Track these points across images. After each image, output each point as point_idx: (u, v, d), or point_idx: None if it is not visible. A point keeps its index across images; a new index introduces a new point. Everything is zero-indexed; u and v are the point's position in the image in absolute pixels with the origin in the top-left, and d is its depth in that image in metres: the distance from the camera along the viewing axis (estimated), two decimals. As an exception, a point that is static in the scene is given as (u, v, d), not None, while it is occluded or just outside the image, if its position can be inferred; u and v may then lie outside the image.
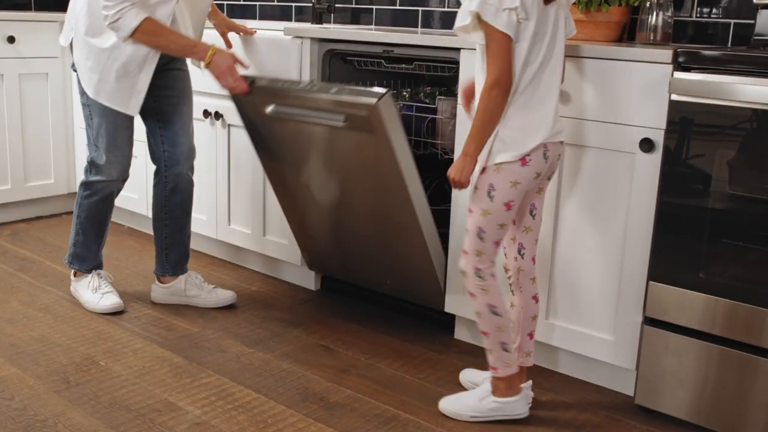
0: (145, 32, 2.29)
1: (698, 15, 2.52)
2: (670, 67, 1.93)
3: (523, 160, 1.85)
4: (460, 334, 2.54)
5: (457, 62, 2.31)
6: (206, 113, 3.02)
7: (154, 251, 2.76)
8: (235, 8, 3.81)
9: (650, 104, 1.98)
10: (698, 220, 1.92)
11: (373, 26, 3.28)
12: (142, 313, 2.66)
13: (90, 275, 2.73)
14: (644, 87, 1.98)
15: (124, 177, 2.64)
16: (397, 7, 3.24)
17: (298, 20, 3.59)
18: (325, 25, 3.22)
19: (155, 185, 2.73)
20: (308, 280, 2.95)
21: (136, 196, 3.45)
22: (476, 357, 2.40)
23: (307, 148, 2.40)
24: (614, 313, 2.12)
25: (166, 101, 2.62)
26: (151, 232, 3.47)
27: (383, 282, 2.60)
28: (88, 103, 2.53)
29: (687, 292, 1.96)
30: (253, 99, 2.41)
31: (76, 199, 2.71)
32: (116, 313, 2.63)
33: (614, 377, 2.22)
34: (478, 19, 1.78)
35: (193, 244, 3.35)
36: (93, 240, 2.72)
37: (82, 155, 3.70)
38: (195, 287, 2.73)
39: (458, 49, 2.30)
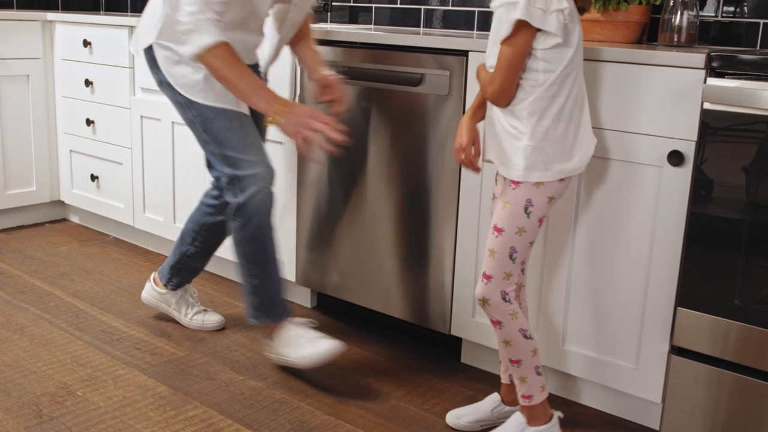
0: (218, 57, 1.92)
1: (724, 15, 2.34)
2: (703, 72, 1.75)
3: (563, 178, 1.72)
4: (467, 358, 2.36)
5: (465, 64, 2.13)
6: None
7: (143, 266, 2.57)
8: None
9: (679, 113, 1.80)
10: (733, 241, 1.74)
11: (372, 26, 3.09)
12: (124, 334, 2.48)
13: (287, 327, 2.21)
14: (673, 94, 1.80)
15: (273, 174, 2.13)
16: (398, 6, 3.05)
17: (292, 19, 3.40)
18: (321, 25, 3.04)
19: (214, 197, 2.35)
20: (303, 296, 2.77)
21: (122, 205, 3.27)
22: (485, 384, 2.22)
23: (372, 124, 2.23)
24: (638, 341, 1.95)
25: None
26: (138, 244, 3.29)
27: (384, 302, 2.42)
28: (197, 114, 2.13)
29: (719, 320, 1.79)
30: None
31: (233, 242, 2.18)
32: (101, 335, 2.44)
33: (638, 410, 2.05)
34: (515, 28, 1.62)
35: (182, 257, 3.16)
36: (270, 276, 2.18)
37: (65, 161, 3.51)
38: (185, 304, 2.54)
39: (466, 52, 2.12)
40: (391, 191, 2.33)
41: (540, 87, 1.64)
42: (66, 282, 2.91)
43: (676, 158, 1.80)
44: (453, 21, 2.91)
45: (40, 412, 1.99)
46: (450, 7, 2.91)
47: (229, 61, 1.93)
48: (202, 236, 2.41)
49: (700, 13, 2.35)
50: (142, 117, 3.09)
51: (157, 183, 3.08)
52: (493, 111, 1.74)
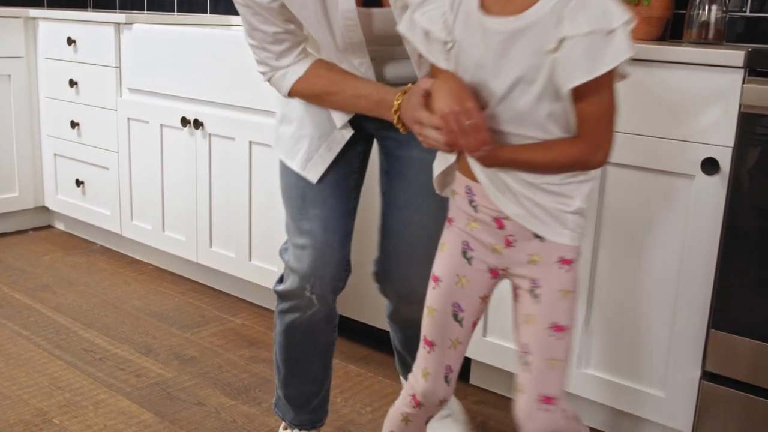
0: (302, 94, 1.50)
1: (752, 10, 2.17)
2: (741, 72, 1.59)
3: None
4: (476, 379, 2.20)
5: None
6: (184, 121, 2.67)
7: (131, 277, 2.40)
8: (219, 3, 3.45)
9: (714, 117, 1.63)
10: (774, 259, 1.58)
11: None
12: (108, 353, 2.31)
13: None
14: (707, 96, 1.63)
15: (320, 281, 1.56)
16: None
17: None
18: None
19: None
20: (300, 310, 2.60)
21: (108, 212, 3.10)
22: (496, 408, 2.06)
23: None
24: (667, 366, 1.78)
25: (389, 179, 1.60)
26: (126, 253, 3.14)
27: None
28: (280, 170, 1.65)
29: (757, 344, 1.62)
30: None
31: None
32: (82, 353, 2.27)
33: (664, 440, 1.88)
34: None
35: (172, 268, 3.00)
36: (293, 379, 1.72)
37: (49, 165, 3.34)
38: None
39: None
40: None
41: None
42: (48, 294, 2.73)
43: (710, 166, 1.64)
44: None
45: (13, 444, 1.82)
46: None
47: (316, 92, 1.48)
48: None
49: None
50: (129, 119, 2.92)
51: (146, 189, 2.91)
52: None
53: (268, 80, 1.51)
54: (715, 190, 1.65)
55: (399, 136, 1.49)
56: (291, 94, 1.50)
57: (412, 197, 1.54)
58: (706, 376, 1.72)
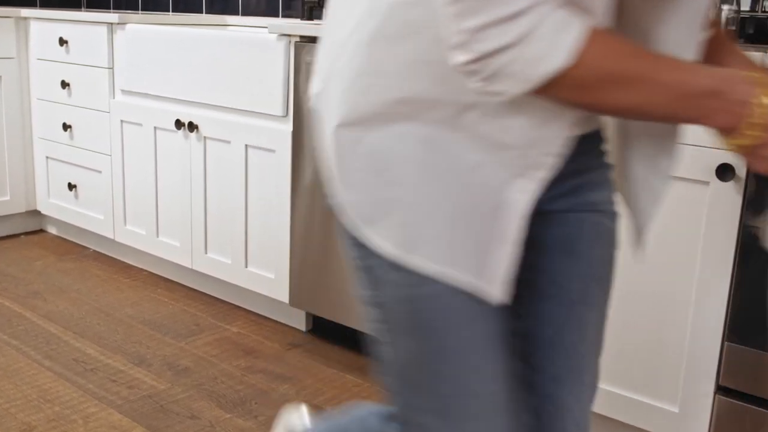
0: (593, 68, 0.74)
1: (763, 10, 2.11)
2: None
3: None
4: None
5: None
6: (179, 124, 2.60)
7: (124, 284, 2.33)
8: (215, 3, 3.38)
9: (730, 121, 1.56)
10: (793, 269, 1.51)
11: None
12: (99, 363, 2.23)
13: None
14: (721, 99, 1.57)
15: None
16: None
17: (285, 17, 3.17)
18: (317, 22, 2.80)
19: None
20: (297, 318, 2.53)
21: (101, 216, 3.02)
22: None
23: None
24: (680, 380, 1.71)
25: (549, 260, 0.96)
26: (120, 258, 3.09)
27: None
28: (373, 280, 0.89)
29: (775, 358, 1.56)
30: None
31: None
32: (73, 364, 2.20)
33: (676, 455, 1.81)
34: None
35: (166, 274, 2.93)
36: None
37: (42, 168, 3.27)
38: None
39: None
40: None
41: None
42: (38, 302, 2.66)
43: (725, 172, 1.57)
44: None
45: (-2, 461, 1.75)
46: None
47: (619, 57, 0.75)
48: None
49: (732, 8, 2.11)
50: (122, 121, 2.85)
51: (139, 193, 2.84)
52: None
53: (505, 46, 0.71)
54: (730, 197, 1.58)
55: (585, 193, 0.94)
56: (574, 62, 0.72)
57: (588, 286, 0.97)
58: (721, 390, 1.65)
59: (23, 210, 3.35)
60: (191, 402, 2.04)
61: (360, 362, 2.30)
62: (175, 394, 2.08)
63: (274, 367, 2.25)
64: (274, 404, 2.04)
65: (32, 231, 3.46)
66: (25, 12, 3.16)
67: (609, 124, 0.99)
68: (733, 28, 1.96)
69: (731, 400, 1.63)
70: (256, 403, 2.04)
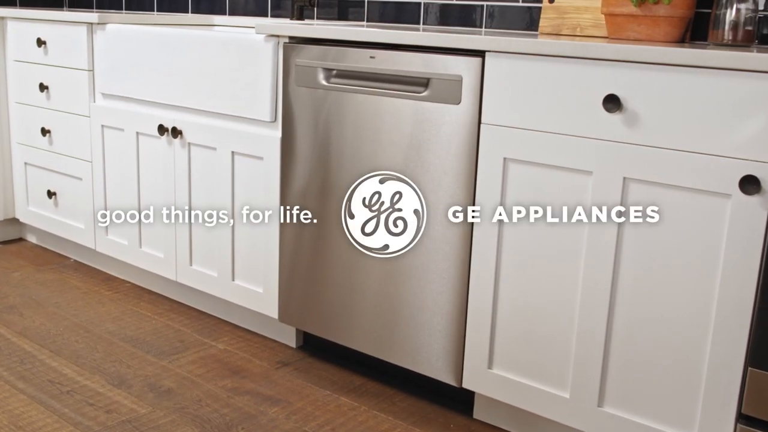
0: None
1: (780, 9, 1.99)
2: (786, 78, 1.40)
3: None
4: (481, 414, 2.01)
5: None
6: (162, 129, 2.47)
7: (105, 296, 2.20)
8: (202, 2, 3.25)
9: (754, 128, 1.45)
10: (824, 290, 1.39)
11: (364, 22, 2.73)
12: (76, 385, 2.10)
13: None
14: (742, 104, 1.45)
15: None
16: (393, 0, 2.69)
17: (275, 16, 3.04)
18: (307, 22, 2.68)
19: None
20: (287, 334, 2.40)
21: (82, 225, 2.89)
22: (504, 448, 1.87)
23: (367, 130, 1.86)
24: (697, 407, 1.59)
25: None
26: (101, 268, 2.98)
27: (377, 346, 2.06)
28: None
29: (803, 385, 1.44)
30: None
31: None
32: (48, 385, 2.07)
33: (693, 487, 1.70)
34: None
35: (149, 286, 2.80)
36: None
37: (20, 175, 3.13)
38: None
39: (482, 52, 1.76)
40: (390, 217, 1.97)
41: None
42: (14, 317, 2.52)
43: (750, 185, 1.45)
44: (463, 15, 2.55)
45: (-37, 497, 1.62)
46: (454, 1, 2.55)
47: None
48: None
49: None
50: (103, 126, 2.71)
51: (121, 201, 2.70)
52: None
53: None
54: (754, 212, 1.46)
55: None
56: None
57: None
58: (743, 419, 1.53)
59: (1, 218, 3.21)
60: (173, 428, 1.91)
61: (355, 382, 2.17)
62: (157, 418, 1.95)
63: (263, 387, 2.12)
64: (263, 430, 1.91)
65: (10, 240, 3.32)
66: (1, 11, 3.02)
67: None
68: (750, 28, 1.84)
69: (754, 429, 1.51)
70: (242, 429, 1.91)
